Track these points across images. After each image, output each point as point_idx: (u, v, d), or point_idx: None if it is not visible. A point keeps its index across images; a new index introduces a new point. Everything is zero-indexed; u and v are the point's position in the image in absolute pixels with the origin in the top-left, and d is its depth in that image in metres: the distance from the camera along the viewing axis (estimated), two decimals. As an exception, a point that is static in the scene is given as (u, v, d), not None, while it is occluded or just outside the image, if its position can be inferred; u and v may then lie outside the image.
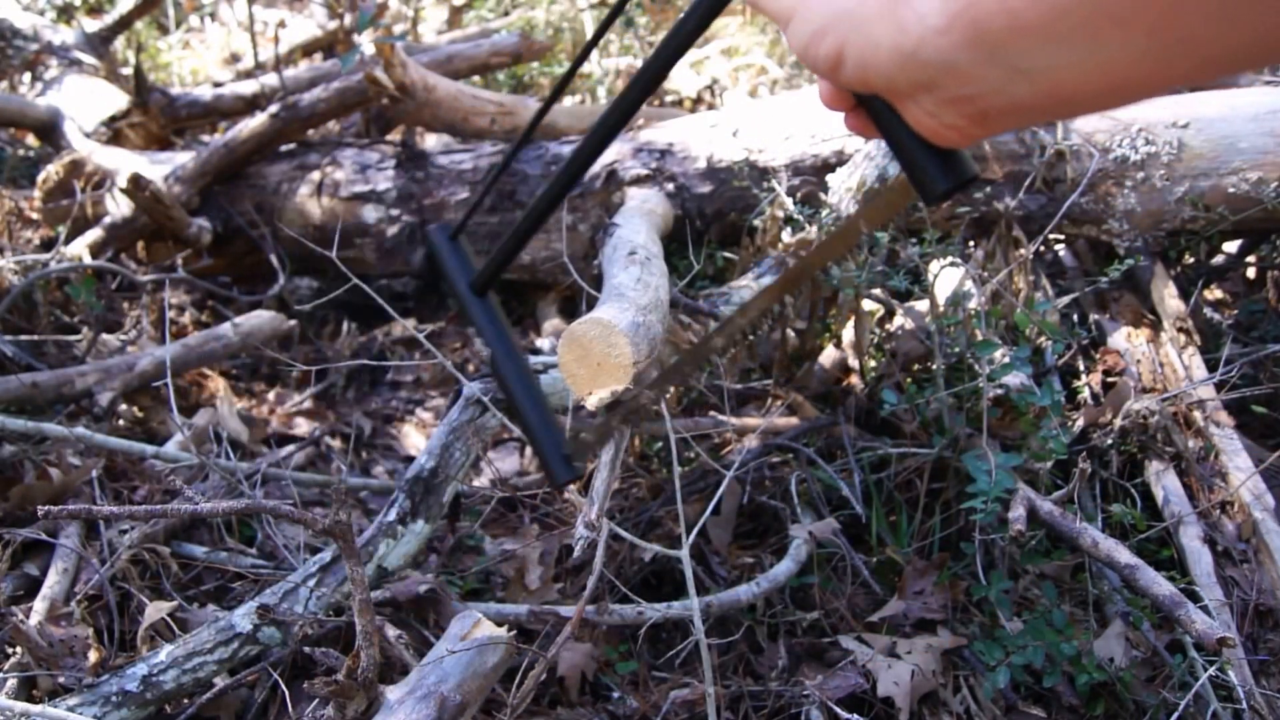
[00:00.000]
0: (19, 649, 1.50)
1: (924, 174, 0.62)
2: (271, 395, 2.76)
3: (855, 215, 0.74)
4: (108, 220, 2.90)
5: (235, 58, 5.14)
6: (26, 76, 3.82)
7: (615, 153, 2.69)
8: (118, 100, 3.40)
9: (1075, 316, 2.29)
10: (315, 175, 2.96)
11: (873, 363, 2.21)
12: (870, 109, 0.62)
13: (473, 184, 2.82)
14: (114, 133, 3.31)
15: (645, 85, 0.74)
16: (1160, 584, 1.52)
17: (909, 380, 2.07)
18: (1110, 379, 2.08)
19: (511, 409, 1.00)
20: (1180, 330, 2.10)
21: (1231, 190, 2.09)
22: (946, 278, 2.08)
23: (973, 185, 0.67)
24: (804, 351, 2.26)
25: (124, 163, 2.97)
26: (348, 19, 3.54)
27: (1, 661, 1.53)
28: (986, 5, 0.50)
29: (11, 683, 1.46)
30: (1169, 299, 2.16)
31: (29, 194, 3.13)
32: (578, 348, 1.38)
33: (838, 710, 1.49)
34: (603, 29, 0.77)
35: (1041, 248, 2.18)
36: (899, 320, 2.23)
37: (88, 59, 3.80)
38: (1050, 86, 0.51)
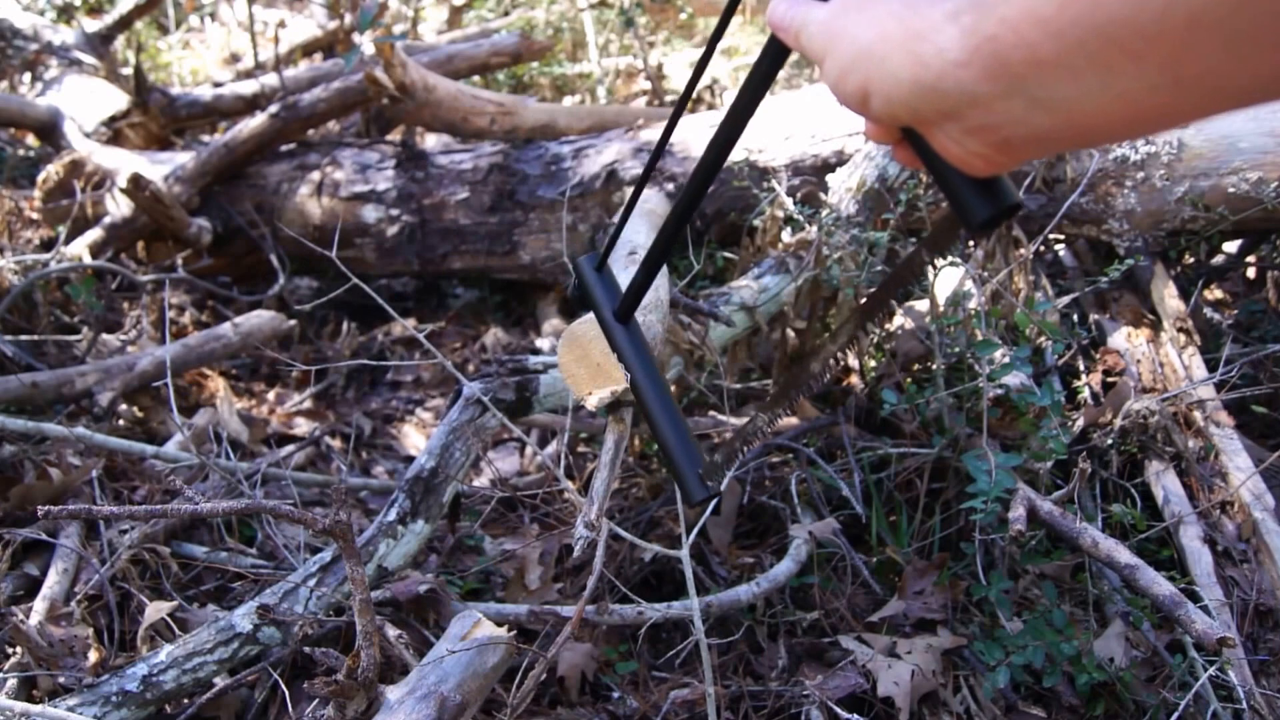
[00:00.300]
0: (19, 649, 1.50)
1: (963, 202, 0.62)
2: (271, 395, 2.76)
3: (918, 248, 0.75)
4: (108, 220, 2.90)
5: (235, 58, 5.14)
6: (26, 76, 3.82)
7: (615, 152, 2.69)
8: (118, 100, 3.40)
9: (1075, 316, 2.29)
10: (315, 175, 2.95)
11: (873, 363, 2.21)
12: (910, 140, 0.63)
13: (472, 184, 2.82)
14: (114, 133, 3.31)
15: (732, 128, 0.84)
16: (1160, 584, 1.52)
17: (909, 380, 2.07)
18: (1110, 379, 2.08)
19: (652, 428, 1.00)
20: (1180, 330, 2.10)
21: (1231, 190, 2.09)
22: (946, 278, 2.08)
23: (1016, 213, 0.67)
24: (803, 351, 2.26)
25: (124, 163, 2.97)
26: (348, 19, 3.54)
27: (1, 661, 1.53)
28: (1005, 39, 0.51)
29: (11, 683, 1.46)
30: (1169, 299, 2.16)
31: (29, 194, 3.13)
32: (578, 348, 1.38)
33: (838, 710, 1.49)
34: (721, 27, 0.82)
35: (1041, 248, 2.18)
36: (899, 320, 2.23)
37: (88, 59, 3.80)
38: (1070, 117, 0.52)
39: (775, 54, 0.72)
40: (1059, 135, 0.54)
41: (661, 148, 0.94)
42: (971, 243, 2.37)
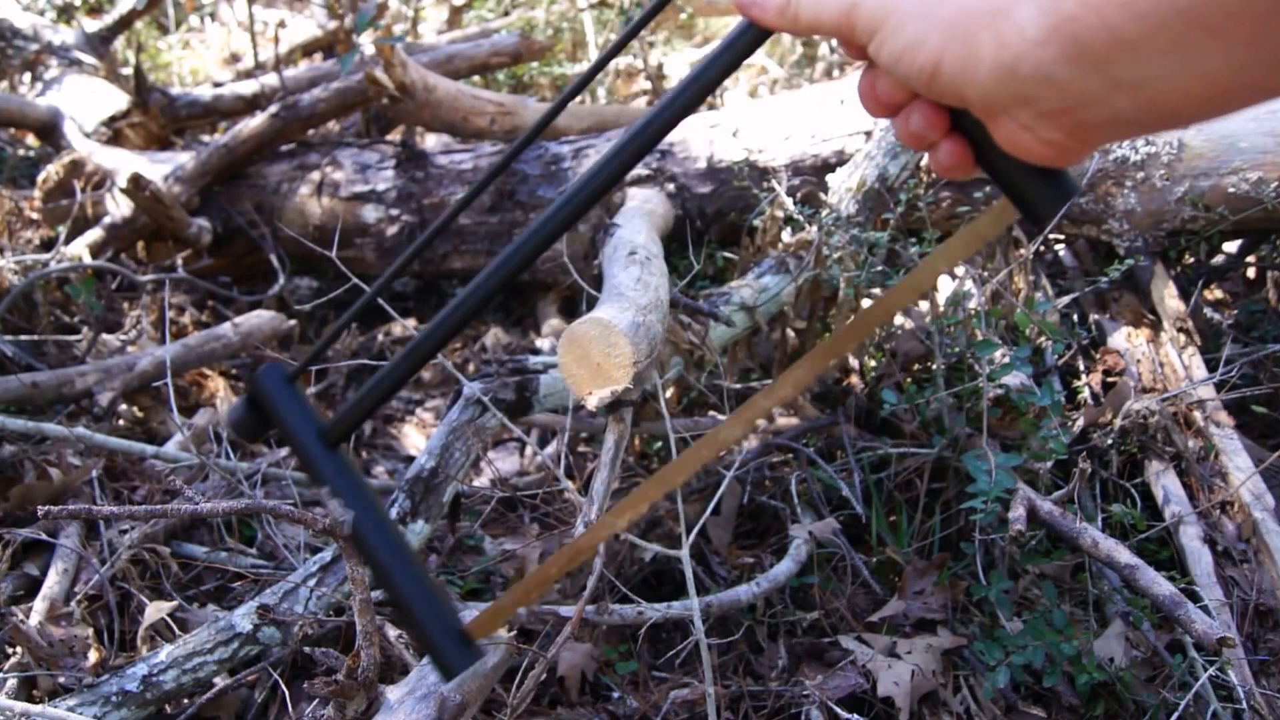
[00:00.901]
0: (19, 649, 1.50)
1: (1031, 193, 0.60)
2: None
3: (937, 254, 0.71)
4: (108, 220, 2.89)
5: (235, 58, 5.14)
6: (26, 76, 3.81)
7: (615, 153, 2.69)
8: (118, 100, 3.40)
9: (1075, 316, 2.29)
10: (315, 175, 2.95)
11: (873, 362, 2.21)
12: (967, 133, 0.60)
13: (472, 183, 2.82)
14: (114, 133, 3.31)
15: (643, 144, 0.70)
16: (1160, 584, 1.52)
17: (909, 380, 2.07)
18: (1110, 379, 2.08)
19: (383, 584, 0.79)
20: (1180, 330, 2.10)
21: (1232, 190, 2.09)
22: (946, 277, 2.08)
23: (1073, 199, 0.66)
24: (804, 351, 2.26)
25: (124, 163, 2.97)
26: (348, 19, 3.54)
27: (1, 661, 1.53)
28: (1086, 20, 0.49)
29: (11, 683, 1.46)
30: (1169, 299, 2.16)
31: (29, 194, 3.13)
32: (577, 348, 1.38)
33: (838, 710, 1.49)
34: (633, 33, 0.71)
35: (1041, 248, 2.18)
36: (899, 320, 2.23)
37: (88, 59, 3.80)
38: (1152, 98, 0.51)
39: (748, 44, 0.66)
40: (1138, 117, 0.53)
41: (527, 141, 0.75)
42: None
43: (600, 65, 0.69)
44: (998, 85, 0.54)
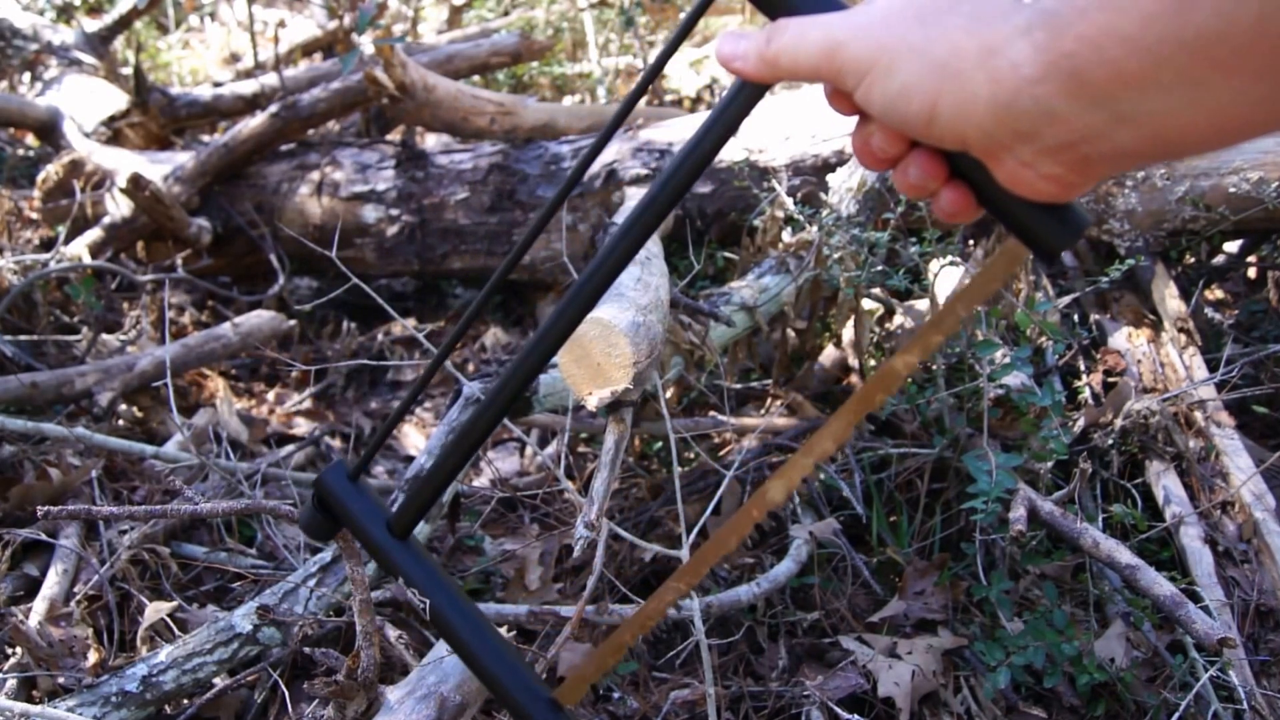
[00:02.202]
0: (19, 649, 1.50)
1: (1040, 231, 0.59)
2: (271, 395, 2.75)
3: (955, 299, 0.68)
4: (107, 220, 2.89)
5: (235, 58, 5.14)
6: (26, 76, 3.81)
7: (615, 152, 2.69)
8: (117, 100, 3.40)
9: (1076, 316, 2.29)
10: (315, 175, 2.95)
11: (873, 362, 2.21)
12: (967, 177, 0.59)
13: (472, 184, 2.82)
14: (114, 133, 3.31)
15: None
16: (1161, 584, 1.52)
17: (909, 380, 2.07)
18: (1111, 379, 2.08)
19: (470, 663, 0.82)
20: (1181, 330, 2.10)
21: (1232, 190, 2.09)
22: (946, 277, 2.08)
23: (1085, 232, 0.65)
24: (804, 351, 2.26)
25: (124, 163, 2.97)
26: (347, 19, 3.54)
27: (1, 662, 1.53)
28: (1085, 56, 0.48)
29: (11, 683, 1.46)
30: (1170, 299, 2.16)
31: (29, 194, 3.13)
32: (577, 348, 1.38)
33: (838, 710, 1.49)
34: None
35: (1042, 248, 2.17)
36: (899, 320, 2.23)
37: (87, 59, 3.80)
38: (1156, 131, 0.50)
39: (746, 100, 0.65)
40: (1142, 150, 0.51)
41: (596, 151, 0.74)
42: (971, 242, 2.37)
43: (667, 56, 0.68)
44: (997, 124, 0.53)
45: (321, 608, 1.55)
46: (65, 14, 4.47)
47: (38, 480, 1.91)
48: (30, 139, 3.72)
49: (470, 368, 2.84)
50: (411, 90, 2.84)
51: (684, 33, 0.66)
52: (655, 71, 0.69)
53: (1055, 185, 0.55)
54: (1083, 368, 2.13)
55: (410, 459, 2.42)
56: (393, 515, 0.82)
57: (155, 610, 1.62)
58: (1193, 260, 2.36)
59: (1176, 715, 1.44)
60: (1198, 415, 1.95)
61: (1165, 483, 1.87)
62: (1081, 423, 1.97)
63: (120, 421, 2.32)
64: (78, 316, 2.68)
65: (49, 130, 3.32)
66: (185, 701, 1.47)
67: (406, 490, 0.84)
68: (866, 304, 2.16)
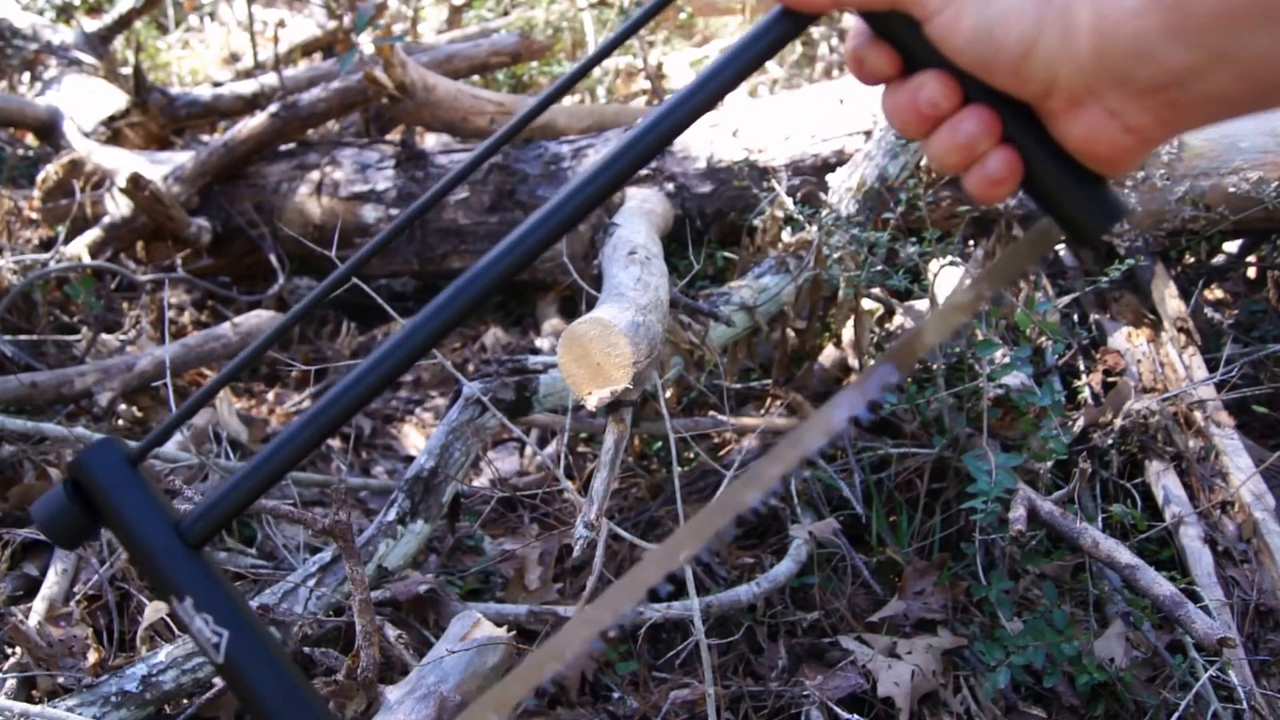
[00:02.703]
0: (18, 649, 1.50)
1: (1080, 211, 0.56)
2: (271, 395, 2.75)
3: (978, 279, 0.64)
4: (107, 220, 2.89)
5: (235, 57, 5.14)
6: (26, 76, 3.81)
7: (615, 152, 2.69)
8: (117, 100, 3.40)
9: (1075, 316, 2.29)
10: (315, 175, 2.95)
11: (872, 362, 2.21)
12: (1019, 140, 0.55)
13: (472, 183, 2.82)
14: (113, 132, 3.31)
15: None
16: (1161, 584, 1.52)
17: (909, 380, 2.07)
18: (1111, 379, 2.07)
19: (256, 707, 0.61)
20: (1181, 330, 2.10)
21: (1232, 190, 2.09)
22: (946, 277, 2.08)
23: (1122, 218, 0.62)
24: (804, 351, 2.26)
25: (123, 162, 2.97)
26: (347, 19, 3.54)
27: (1, 661, 1.53)
28: None
29: (11, 683, 1.46)
30: (1169, 299, 2.16)
31: (28, 194, 3.13)
32: (577, 348, 1.38)
33: (838, 710, 1.49)
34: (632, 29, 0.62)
35: (1042, 247, 2.17)
36: (899, 320, 2.23)
37: (87, 59, 3.80)
38: (1257, 73, 0.47)
39: (781, 35, 0.57)
40: (1237, 94, 0.48)
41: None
42: (971, 242, 2.37)
43: (594, 62, 0.62)
44: (1096, 62, 0.49)
45: (321, 607, 1.55)
46: (65, 14, 4.47)
47: (38, 480, 1.91)
48: (30, 139, 3.72)
49: (470, 368, 2.84)
50: (411, 90, 2.84)
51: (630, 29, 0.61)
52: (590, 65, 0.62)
53: (1135, 139, 0.52)
54: (1082, 367, 2.13)
55: (410, 459, 2.42)
56: (189, 518, 0.61)
57: (155, 610, 1.62)
58: (1192, 260, 2.36)
59: (1176, 715, 1.44)
60: (1197, 415, 1.95)
61: (1165, 482, 1.87)
62: (1081, 422, 1.97)
63: (120, 421, 2.32)
64: (77, 316, 2.67)
65: (49, 130, 3.32)
66: (185, 701, 1.47)
67: (225, 487, 0.62)
68: (866, 304, 2.16)
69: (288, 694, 0.61)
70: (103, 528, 0.63)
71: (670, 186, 2.55)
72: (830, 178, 2.17)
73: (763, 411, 2.19)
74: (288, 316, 0.66)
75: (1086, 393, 2.07)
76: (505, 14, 4.76)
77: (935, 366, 1.85)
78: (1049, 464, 1.77)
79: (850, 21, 0.60)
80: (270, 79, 3.46)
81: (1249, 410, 2.01)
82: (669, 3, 0.61)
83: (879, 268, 1.97)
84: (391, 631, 1.49)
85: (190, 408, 0.64)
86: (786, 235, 2.17)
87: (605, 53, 0.61)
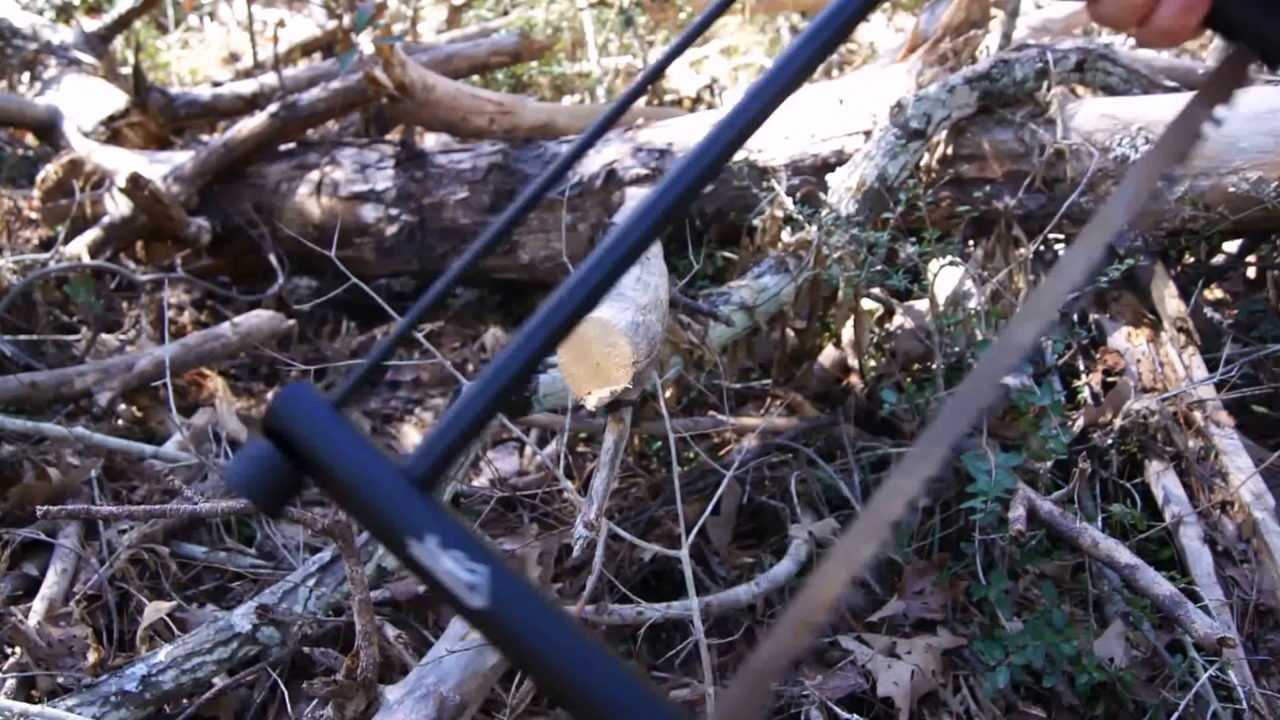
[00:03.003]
0: (18, 649, 1.50)
1: (1274, 29, 0.55)
2: (271, 395, 2.75)
3: (1188, 109, 0.61)
4: (106, 220, 2.89)
5: (234, 57, 5.14)
6: (25, 76, 3.81)
7: (614, 152, 2.69)
8: (117, 100, 3.39)
9: (1075, 316, 2.29)
10: (314, 175, 2.95)
11: (873, 362, 2.21)
12: None
13: (472, 183, 2.82)
14: (113, 132, 3.31)
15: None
16: (1160, 584, 1.52)
17: (909, 380, 2.07)
18: (1110, 379, 2.07)
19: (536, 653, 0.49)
20: (1180, 330, 2.10)
21: (1232, 190, 2.09)
22: (946, 277, 2.08)
23: None
24: (803, 351, 2.26)
25: (123, 162, 2.97)
26: (346, 19, 3.54)
27: (1, 661, 1.53)
28: None
29: (10, 683, 1.46)
30: (1169, 299, 2.15)
31: (28, 194, 3.12)
32: (577, 347, 1.38)
33: (838, 710, 1.49)
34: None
35: (1041, 247, 2.17)
36: (899, 319, 2.23)
37: (86, 58, 3.80)
38: None
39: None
40: None
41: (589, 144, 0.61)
42: (971, 242, 2.37)
43: (672, 56, 0.59)
44: None
45: (321, 607, 1.55)
46: (65, 14, 4.47)
47: (37, 480, 1.91)
48: (30, 139, 3.71)
49: (470, 368, 2.84)
50: (411, 90, 2.84)
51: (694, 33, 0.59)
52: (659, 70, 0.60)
53: None
54: (1082, 367, 2.13)
55: (410, 459, 2.42)
56: (413, 457, 0.52)
57: (154, 610, 1.62)
58: (1192, 260, 2.36)
59: (1176, 715, 1.44)
60: (1197, 415, 1.95)
61: (1164, 482, 1.87)
62: (1081, 422, 1.97)
63: (119, 421, 2.32)
64: (77, 316, 2.67)
65: (48, 130, 3.32)
66: (185, 701, 1.47)
67: (441, 426, 0.52)
68: (866, 304, 2.16)
69: (572, 634, 0.48)
70: (309, 481, 0.54)
71: (670, 186, 2.55)
72: (830, 177, 2.17)
73: (762, 411, 2.19)
74: (438, 287, 0.58)
75: (1086, 392, 2.07)
76: (505, 14, 4.76)
77: (935, 366, 1.85)
78: (1049, 464, 1.77)
79: None
80: (270, 79, 3.46)
81: (1249, 410, 2.01)
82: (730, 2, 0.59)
83: (879, 268, 1.97)
84: (391, 631, 1.49)
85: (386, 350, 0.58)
86: (786, 235, 2.17)
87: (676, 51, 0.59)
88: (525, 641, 0.48)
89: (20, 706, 1.29)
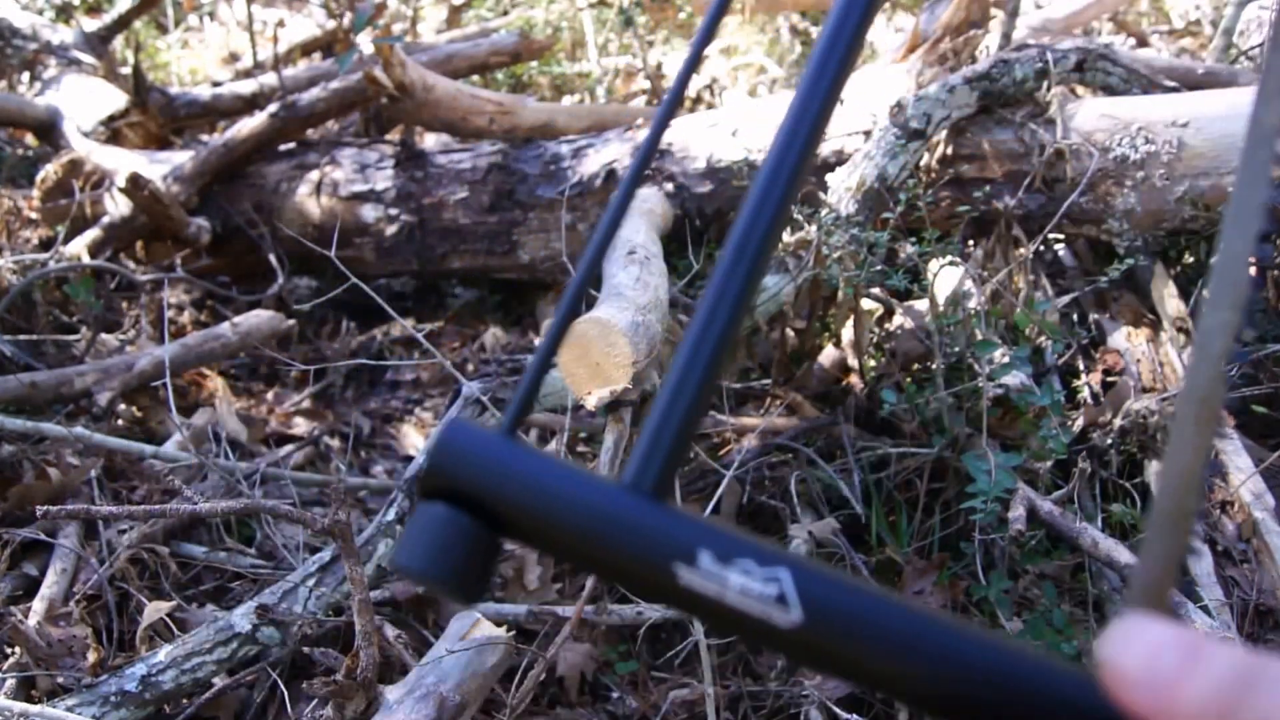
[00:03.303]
0: (18, 649, 1.50)
1: None
2: (270, 395, 2.75)
3: None
4: (106, 220, 2.89)
5: (234, 57, 5.14)
6: (25, 76, 3.81)
7: (614, 152, 2.69)
8: (116, 100, 3.39)
9: (1075, 316, 2.29)
10: (314, 175, 2.95)
11: (872, 362, 2.21)
12: None
13: (471, 183, 2.82)
14: (113, 132, 3.31)
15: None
16: (1160, 584, 1.52)
17: (909, 380, 2.07)
18: (1110, 379, 2.07)
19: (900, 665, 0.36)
20: (1180, 330, 2.10)
21: (1231, 189, 2.09)
22: (946, 277, 2.08)
23: None
24: (803, 351, 2.26)
25: (123, 162, 2.97)
26: (346, 18, 3.54)
27: (0, 661, 1.53)
28: None
29: (10, 683, 1.46)
30: (1169, 299, 2.16)
31: (28, 194, 3.12)
32: (577, 347, 1.38)
33: (837, 710, 1.49)
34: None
35: (1041, 247, 2.17)
36: (899, 320, 2.23)
37: (86, 58, 3.80)
38: None
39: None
40: None
41: (653, 147, 0.48)
42: (970, 242, 2.37)
43: (695, 58, 0.51)
44: None
45: (321, 607, 1.55)
46: (64, 13, 4.47)
47: (37, 480, 1.91)
48: (30, 139, 3.71)
49: (470, 368, 2.84)
50: (410, 90, 2.84)
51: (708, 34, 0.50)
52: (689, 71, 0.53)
53: None
54: (1082, 367, 2.13)
55: (409, 459, 2.42)
56: (631, 467, 0.41)
57: (154, 610, 1.62)
58: (1192, 260, 2.36)
59: (1176, 715, 1.43)
60: (1197, 415, 1.94)
61: (1164, 482, 1.86)
62: (1080, 422, 1.97)
63: (119, 421, 2.32)
64: (77, 316, 2.67)
65: (48, 130, 3.32)
66: (184, 701, 1.47)
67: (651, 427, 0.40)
68: (866, 304, 2.16)
69: (933, 623, 0.36)
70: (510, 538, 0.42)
71: (670, 186, 2.55)
72: (830, 177, 2.17)
73: (762, 411, 2.19)
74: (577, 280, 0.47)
75: (1086, 392, 2.07)
76: (505, 14, 4.76)
77: (935, 366, 1.85)
78: (1048, 464, 1.77)
79: None
80: (270, 79, 3.46)
81: (1249, 410, 2.01)
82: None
83: (878, 268, 1.97)
84: (391, 631, 1.49)
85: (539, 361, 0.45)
86: (786, 235, 2.17)
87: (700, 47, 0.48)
88: (876, 650, 0.36)
89: (20, 706, 1.29)
